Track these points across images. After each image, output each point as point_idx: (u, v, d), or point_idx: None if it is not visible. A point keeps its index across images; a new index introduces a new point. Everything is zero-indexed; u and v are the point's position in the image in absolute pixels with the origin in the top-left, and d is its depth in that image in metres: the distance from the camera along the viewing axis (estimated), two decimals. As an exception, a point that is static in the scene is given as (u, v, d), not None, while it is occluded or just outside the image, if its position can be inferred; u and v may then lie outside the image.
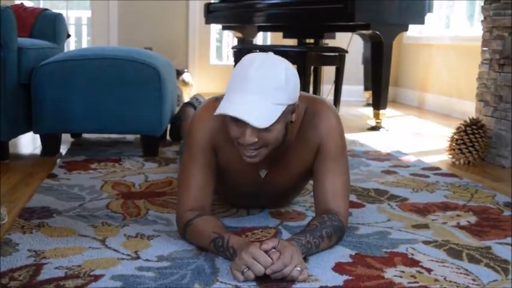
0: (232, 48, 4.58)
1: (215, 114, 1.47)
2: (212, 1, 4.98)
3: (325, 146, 1.64)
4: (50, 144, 2.81)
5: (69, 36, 3.51)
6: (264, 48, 3.93)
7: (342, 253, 1.56)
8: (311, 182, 1.80)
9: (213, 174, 1.65)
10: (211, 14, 4.71)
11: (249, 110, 1.41)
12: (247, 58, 1.49)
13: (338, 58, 3.75)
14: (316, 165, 1.66)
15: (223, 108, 1.45)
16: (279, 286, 1.34)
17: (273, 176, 1.71)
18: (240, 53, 3.96)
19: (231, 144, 1.60)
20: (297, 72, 1.52)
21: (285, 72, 1.45)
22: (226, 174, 1.71)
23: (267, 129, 1.46)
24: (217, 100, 1.67)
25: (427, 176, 2.52)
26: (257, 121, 1.41)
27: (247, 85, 1.43)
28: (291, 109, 1.51)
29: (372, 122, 3.97)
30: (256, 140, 1.47)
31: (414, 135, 3.79)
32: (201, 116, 1.65)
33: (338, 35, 4.39)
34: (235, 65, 1.53)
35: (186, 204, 1.61)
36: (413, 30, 5.29)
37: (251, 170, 1.69)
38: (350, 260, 1.51)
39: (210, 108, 1.64)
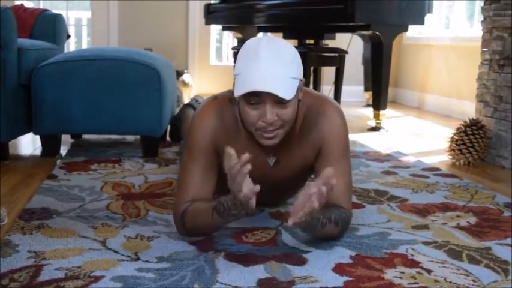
0: (232, 49, 4.59)
1: (236, 96, 1.47)
2: (212, 2, 4.98)
3: (326, 147, 1.64)
4: (49, 145, 2.81)
5: (69, 37, 3.51)
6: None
7: (342, 254, 1.56)
8: (311, 182, 1.80)
9: (214, 174, 1.64)
10: (211, 15, 4.71)
11: (270, 83, 1.41)
12: (251, 41, 1.50)
13: (338, 59, 3.75)
14: (317, 166, 1.65)
15: (242, 89, 1.44)
16: (279, 286, 1.34)
17: (276, 171, 1.70)
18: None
19: (233, 140, 1.60)
20: None
21: (292, 48, 1.49)
22: None
23: (284, 106, 1.47)
24: (216, 99, 1.66)
25: (427, 177, 2.52)
26: (281, 91, 1.42)
27: (260, 63, 1.43)
28: (300, 85, 1.52)
29: (372, 123, 3.96)
30: (276, 118, 1.47)
31: (414, 135, 3.79)
32: (201, 116, 1.64)
33: (338, 35, 4.39)
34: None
35: (183, 201, 1.60)
36: (413, 30, 5.29)
37: (257, 163, 1.67)
38: (350, 261, 1.51)
39: (209, 107, 1.64)
